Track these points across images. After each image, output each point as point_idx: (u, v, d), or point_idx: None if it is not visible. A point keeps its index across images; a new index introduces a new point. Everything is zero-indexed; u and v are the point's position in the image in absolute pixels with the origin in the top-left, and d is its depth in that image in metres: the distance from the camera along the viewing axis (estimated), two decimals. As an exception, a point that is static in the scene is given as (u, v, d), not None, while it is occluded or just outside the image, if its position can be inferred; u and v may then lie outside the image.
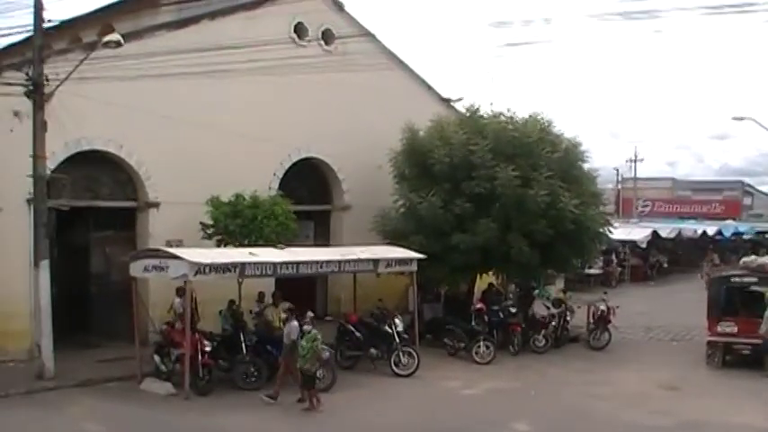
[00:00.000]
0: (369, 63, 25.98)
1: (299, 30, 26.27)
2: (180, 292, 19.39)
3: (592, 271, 39.00)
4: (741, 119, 53.65)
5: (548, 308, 25.55)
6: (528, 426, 16.60)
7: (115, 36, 18.39)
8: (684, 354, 24.52)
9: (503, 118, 25.70)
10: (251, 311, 21.12)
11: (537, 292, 27.01)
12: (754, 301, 22.45)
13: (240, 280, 19.47)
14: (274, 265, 19.01)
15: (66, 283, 22.37)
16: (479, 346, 22.69)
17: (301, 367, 17.18)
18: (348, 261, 21.06)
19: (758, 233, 63.26)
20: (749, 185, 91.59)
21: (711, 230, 54.38)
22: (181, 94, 22.48)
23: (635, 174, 78.81)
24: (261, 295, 21.60)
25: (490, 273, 26.62)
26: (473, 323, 23.52)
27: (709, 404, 18.53)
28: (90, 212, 23.36)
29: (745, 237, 59.72)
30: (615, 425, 16.75)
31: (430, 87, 30.90)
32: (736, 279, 23.41)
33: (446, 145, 24.56)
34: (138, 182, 23.03)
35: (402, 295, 25.69)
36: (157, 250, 19.17)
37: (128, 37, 19.80)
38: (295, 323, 18.01)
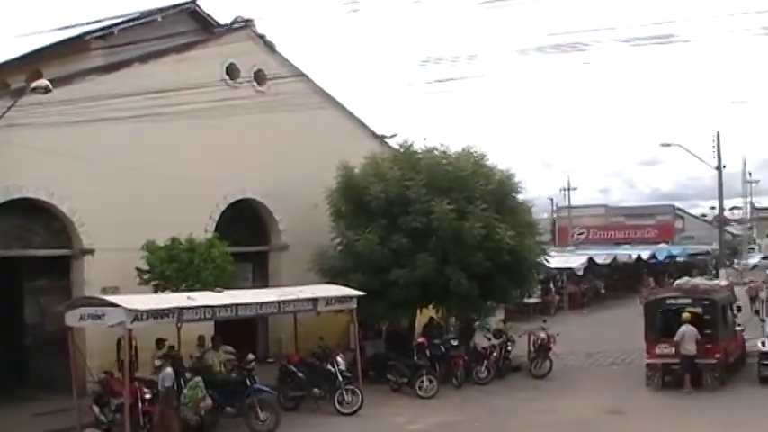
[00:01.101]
0: (302, 103, 26.09)
1: (232, 71, 26.25)
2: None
3: (531, 300, 39.29)
4: (669, 145, 54.85)
5: (489, 339, 25.78)
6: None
7: (43, 82, 18.23)
8: (625, 377, 24.84)
9: (436, 152, 25.94)
10: (191, 356, 20.85)
11: (477, 323, 27.17)
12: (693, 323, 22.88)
13: (179, 325, 19.20)
14: (213, 308, 18.77)
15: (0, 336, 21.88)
16: (422, 381, 22.70)
17: (184, 416, 16.97)
18: (287, 301, 20.88)
19: (690, 255, 64.57)
20: (680, 209, 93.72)
21: (646, 255, 55.25)
22: (113, 138, 22.25)
23: (569, 202, 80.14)
24: (200, 339, 21.32)
25: (430, 306, 26.65)
26: (415, 358, 23.56)
27: (654, 426, 18.89)
28: (23, 262, 22.91)
29: (678, 259, 60.86)
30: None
31: (363, 124, 31.06)
32: (671, 301, 23.91)
33: (381, 181, 24.69)
34: (71, 229, 22.64)
35: (343, 333, 25.62)
36: (93, 298, 18.87)
37: (57, 82, 19.59)
38: (169, 369, 17.72)
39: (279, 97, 25.91)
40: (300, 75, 27.93)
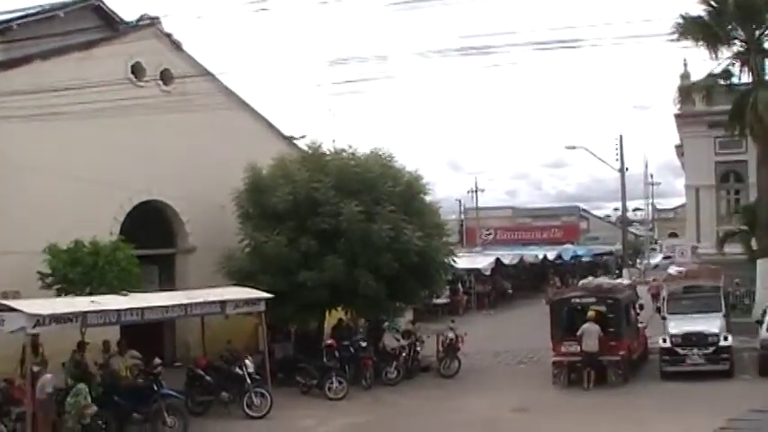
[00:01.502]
0: (208, 103, 25.77)
1: (137, 70, 25.80)
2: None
3: (439, 301, 39.59)
4: (573, 147, 56.11)
5: (398, 340, 25.92)
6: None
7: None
8: (532, 376, 25.24)
9: (345, 154, 26.02)
10: (96, 363, 20.38)
11: (386, 324, 27.26)
12: (596, 321, 23.37)
13: (83, 329, 18.78)
14: (118, 312, 18.39)
15: None
16: (332, 382, 22.67)
17: (67, 424, 16.66)
18: (195, 304, 20.56)
19: (595, 255, 66.02)
20: (585, 210, 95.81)
21: (552, 255, 56.26)
22: (13, 137, 21.59)
23: (476, 204, 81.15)
24: (106, 344, 20.82)
25: (339, 308, 26.65)
26: (324, 359, 23.54)
27: (560, 423, 19.18)
28: None
29: (583, 259, 62.14)
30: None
31: (271, 126, 30.88)
32: (576, 300, 24.42)
33: (289, 183, 24.60)
34: (-32, 232, 21.93)
35: (251, 336, 25.36)
36: (-8, 303, 18.29)
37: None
38: (48, 376, 17.40)
39: (185, 97, 25.56)
40: (207, 74, 27.59)
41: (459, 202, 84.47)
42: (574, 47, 23.94)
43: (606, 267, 64.91)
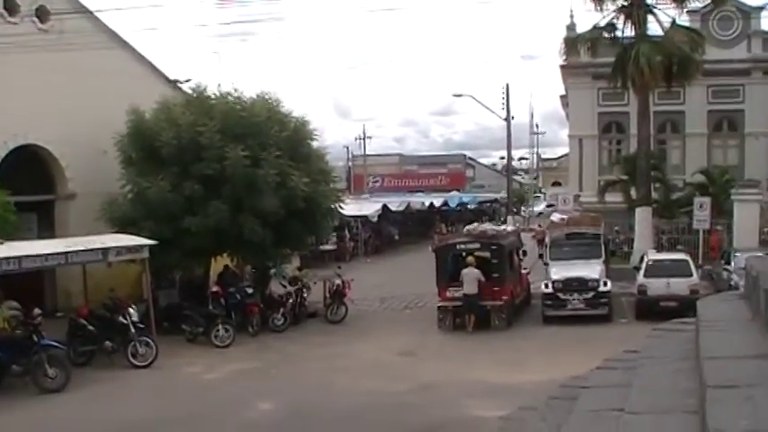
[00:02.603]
0: (88, 42, 24.94)
1: (10, 6, 24.71)
2: None
3: (326, 247, 39.63)
4: (460, 95, 56.57)
5: (284, 286, 25.89)
6: (271, 404, 16.70)
7: None
8: (418, 321, 25.62)
9: (230, 98, 25.60)
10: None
11: (273, 271, 27.14)
12: (477, 267, 23.78)
13: (-45, 279, 18.13)
14: (-7, 261, 17.81)
15: None
16: (218, 330, 22.59)
17: None
18: (75, 252, 20.14)
19: (480, 203, 67.06)
20: (471, 158, 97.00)
21: (438, 202, 56.89)
22: None
23: (364, 151, 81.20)
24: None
25: (225, 255, 26.38)
26: (210, 307, 23.39)
27: (444, 366, 19.58)
28: None
29: (469, 206, 63.04)
30: (357, 394, 17.16)
31: (155, 68, 30.06)
32: (461, 246, 24.80)
33: (173, 127, 24.09)
34: None
35: (135, 283, 24.92)
36: None
37: None
38: None
39: (63, 36, 24.65)
40: (86, 12, 26.61)
41: (347, 148, 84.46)
42: (462, -6, 23.96)
43: (491, 214, 66.04)
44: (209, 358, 21.18)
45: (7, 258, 18.22)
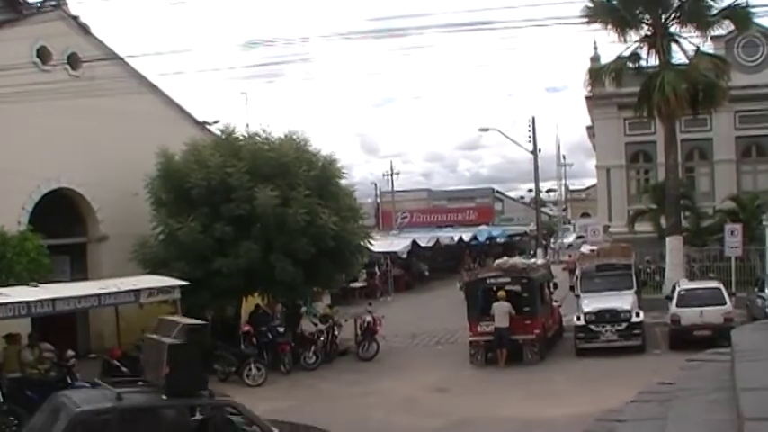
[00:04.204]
0: (119, 87, 25.29)
1: (43, 54, 25.16)
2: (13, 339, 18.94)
3: (356, 284, 39.63)
4: (486, 130, 56.67)
5: (315, 324, 25.93)
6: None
7: None
8: (450, 356, 25.49)
9: (258, 138, 25.83)
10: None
11: (304, 309, 27.21)
12: (508, 300, 23.70)
13: (-9, 322, 18.30)
14: (28, 304, 17.96)
15: None
16: (250, 369, 22.59)
17: None
18: (108, 294, 20.23)
19: (510, 236, 66.85)
20: (499, 192, 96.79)
21: (467, 236, 56.73)
22: None
23: (392, 187, 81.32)
24: (8, 338, 20.17)
25: (256, 294, 26.46)
26: (242, 346, 23.41)
27: (478, 401, 19.45)
28: None
29: (498, 240, 62.86)
30: (392, 431, 17.09)
31: (184, 111, 30.43)
32: (491, 280, 24.73)
33: (202, 168, 24.32)
34: None
35: (167, 324, 25.04)
36: None
37: None
38: None
39: (94, 82, 25.03)
40: (117, 58, 27.07)
41: (375, 185, 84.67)
42: (486, 29, 24.13)
43: (521, 248, 65.77)
44: (243, 397, 20.96)
45: (41, 301, 18.35)
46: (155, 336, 12.70)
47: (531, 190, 71.73)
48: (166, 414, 11.73)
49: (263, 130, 26.12)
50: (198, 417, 12.21)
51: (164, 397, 11.54)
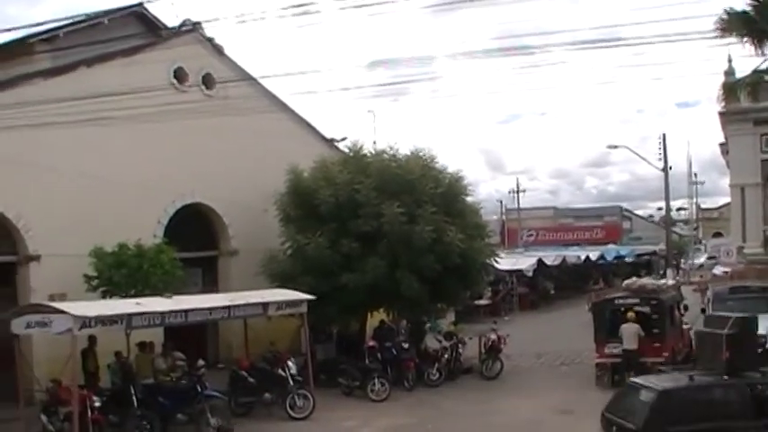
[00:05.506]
0: (250, 106, 25.97)
1: (180, 75, 26.11)
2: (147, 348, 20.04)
3: (481, 302, 39.48)
4: (615, 146, 55.56)
5: (440, 341, 25.87)
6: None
7: (-13, 86, 17.95)
8: (575, 377, 25.05)
9: (386, 155, 26.06)
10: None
11: (428, 326, 27.23)
12: (637, 322, 23.17)
13: (128, 332, 19.02)
14: (162, 314, 18.57)
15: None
16: (374, 384, 22.68)
17: None
18: (237, 306, 20.71)
19: (638, 256, 65.34)
20: (627, 210, 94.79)
21: (594, 255, 55.77)
22: (59, 143, 21.96)
23: (518, 204, 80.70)
24: (141, 346, 20.89)
25: (381, 310, 26.67)
26: (366, 361, 23.54)
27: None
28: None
29: (626, 260, 61.56)
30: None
31: (313, 128, 31.06)
32: (620, 301, 24.21)
33: (330, 185, 24.70)
34: (16, 235, 22.25)
35: (294, 337, 25.54)
36: (40, 305, 18.51)
37: (0, 85, 19.30)
38: None
39: (227, 101, 25.79)
40: (249, 78, 27.80)
41: (501, 202, 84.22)
42: (614, 46, 23.78)
43: (650, 268, 64.21)
44: (365, 412, 21.35)
45: (174, 312, 18.93)
46: (707, 329, 16.43)
47: (660, 208, 69.89)
48: (729, 390, 14.67)
49: (390, 148, 26.40)
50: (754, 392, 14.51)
51: (725, 377, 14.77)
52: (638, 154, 52.71)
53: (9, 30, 25.54)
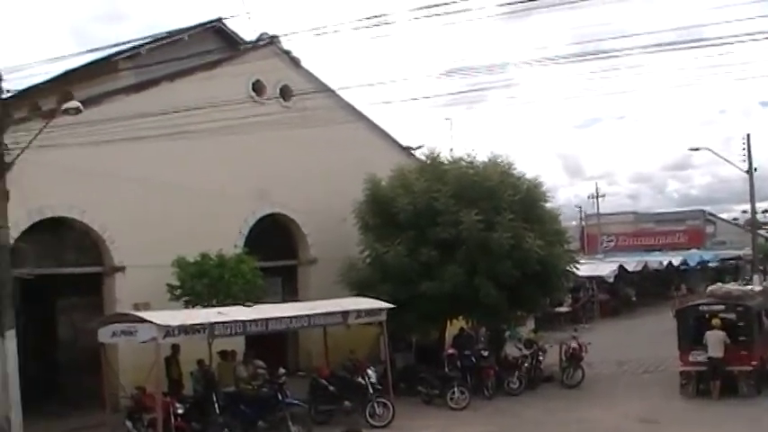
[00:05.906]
0: (327, 117, 26.23)
1: (258, 88, 26.52)
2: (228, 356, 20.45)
3: (561, 309, 39.11)
4: (697, 149, 54.46)
5: (519, 349, 25.65)
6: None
7: (74, 103, 18.47)
8: (658, 385, 24.58)
9: (463, 163, 25.98)
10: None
11: (508, 333, 27.06)
12: (723, 329, 22.68)
13: (210, 340, 19.34)
14: (243, 323, 18.84)
15: (33, 352, 22.07)
16: (454, 392, 22.59)
17: None
18: (317, 314, 20.88)
19: (722, 260, 63.95)
20: (710, 214, 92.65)
21: (677, 261, 54.81)
22: (143, 156, 22.50)
23: (597, 210, 79.61)
24: (222, 354, 21.06)
25: (460, 317, 26.56)
26: (446, 369, 23.43)
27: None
28: (55, 280, 23.04)
29: (710, 265, 60.32)
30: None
31: (389, 137, 31.19)
32: (704, 308, 23.68)
33: (408, 193, 24.74)
34: (102, 246, 22.90)
35: (373, 345, 25.64)
36: (125, 315, 19.00)
37: (87, 102, 19.84)
38: None
39: (305, 112, 26.08)
40: (326, 89, 28.09)
41: (580, 208, 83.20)
42: (696, 47, 23.37)
43: (735, 273, 62.79)
44: (445, 420, 21.30)
45: (255, 321, 19.18)
46: None
47: (745, 211, 68.10)
48: None
49: (468, 155, 26.30)
50: None
51: None
52: (720, 155, 51.53)
53: (94, 50, 26.29)
